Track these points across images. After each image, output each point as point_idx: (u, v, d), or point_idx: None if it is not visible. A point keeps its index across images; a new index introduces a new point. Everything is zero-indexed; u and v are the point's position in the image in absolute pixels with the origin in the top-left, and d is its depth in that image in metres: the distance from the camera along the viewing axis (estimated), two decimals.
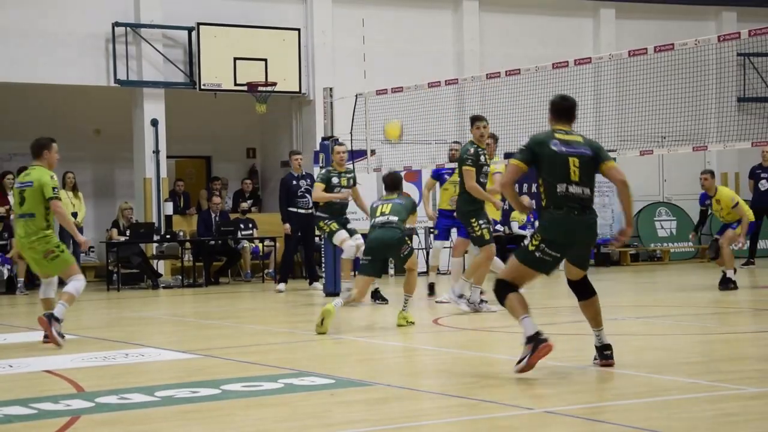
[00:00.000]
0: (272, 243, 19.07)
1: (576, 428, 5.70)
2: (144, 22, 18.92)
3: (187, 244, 18.65)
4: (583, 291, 7.58)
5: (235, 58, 19.06)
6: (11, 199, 17.54)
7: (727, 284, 13.91)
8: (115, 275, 17.72)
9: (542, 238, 7.27)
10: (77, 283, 9.86)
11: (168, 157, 19.75)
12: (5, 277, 17.27)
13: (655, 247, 22.39)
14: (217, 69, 19.00)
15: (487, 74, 16.28)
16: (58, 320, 9.53)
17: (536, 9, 22.14)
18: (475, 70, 20.25)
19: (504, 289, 7.38)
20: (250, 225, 19.49)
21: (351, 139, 16.61)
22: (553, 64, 14.28)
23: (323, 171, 14.30)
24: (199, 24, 18.95)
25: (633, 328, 10.60)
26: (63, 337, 9.59)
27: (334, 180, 13.78)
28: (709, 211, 14.70)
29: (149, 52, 18.98)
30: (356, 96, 17.03)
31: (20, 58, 18.12)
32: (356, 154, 17.15)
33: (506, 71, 15.13)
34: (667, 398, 6.47)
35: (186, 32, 19.16)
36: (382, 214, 10.75)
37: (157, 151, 19.20)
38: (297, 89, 19.73)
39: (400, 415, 6.22)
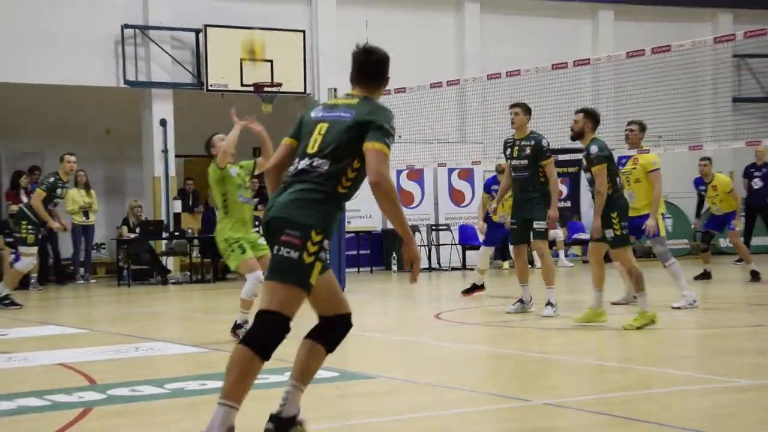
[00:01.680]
0: None
1: (573, 420, 5.74)
2: (152, 24, 18.96)
3: (195, 241, 18.71)
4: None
5: (242, 59, 19.10)
6: (24, 198, 17.62)
7: (756, 276, 14.76)
8: (125, 271, 17.79)
9: None
10: (251, 279, 9.23)
11: (176, 156, 19.79)
12: None
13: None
14: (223, 70, 19.03)
15: (488, 75, 16.31)
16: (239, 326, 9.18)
17: (536, 11, 22.16)
18: (476, 71, 20.27)
19: None
20: (257, 222, 19.50)
21: None
22: (552, 65, 14.32)
23: (51, 180, 13.24)
24: (206, 26, 18.99)
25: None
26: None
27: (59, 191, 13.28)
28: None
29: (157, 53, 19.03)
30: None
31: (31, 61, 18.17)
32: None
33: (507, 72, 15.15)
34: (662, 390, 6.50)
35: (193, 34, 19.21)
36: None
37: (165, 151, 19.26)
38: (302, 90, 19.77)
39: (403, 407, 6.24)
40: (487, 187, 14.29)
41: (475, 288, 13.20)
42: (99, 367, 7.93)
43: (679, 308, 11.00)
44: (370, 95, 5.17)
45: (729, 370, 7.14)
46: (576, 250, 21.89)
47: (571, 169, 21.37)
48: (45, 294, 16.52)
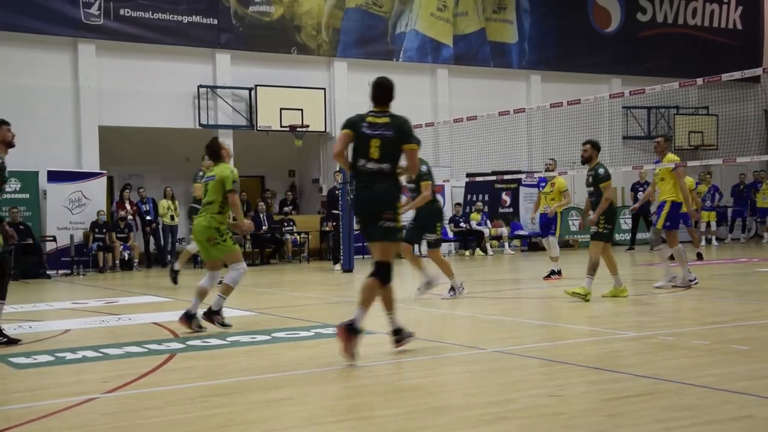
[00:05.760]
0: (306, 235, 19.06)
1: (515, 362, 5.71)
2: (219, 84, 18.94)
3: (248, 236, 18.64)
4: None
5: (281, 108, 19.08)
6: (127, 206, 17.51)
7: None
8: (199, 257, 17.71)
9: None
10: (234, 273, 7.59)
11: None
12: (126, 259, 17.31)
13: (569, 237, 22.39)
14: (268, 115, 19.01)
15: (453, 119, 16.30)
16: (215, 312, 7.53)
17: (487, 74, 22.18)
18: (446, 116, 20.26)
19: None
20: (291, 223, 19.49)
21: None
22: (499, 112, 14.30)
23: None
24: (256, 85, 18.98)
25: (557, 289, 10.57)
26: (223, 324, 7.51)
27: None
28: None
29: (222, 104, 19.01)
30: None
31: (134, 110, 18.19)
32: None
33: (467, 117, 15.15)
34: (573, 341, 6.47)
35: (247, 91, 19.18)
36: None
37: None
38: (323, 129, 19.75)
39: (393, 353, 6.22)
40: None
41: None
42: (180, 325, 7.90)
43: (660, 287, 9.76)
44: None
45: (621, 326, 7.11)
46: (516, 242, 21.85)
47: (512, 185, 21.33)
48: (145, 273, 16.47)
